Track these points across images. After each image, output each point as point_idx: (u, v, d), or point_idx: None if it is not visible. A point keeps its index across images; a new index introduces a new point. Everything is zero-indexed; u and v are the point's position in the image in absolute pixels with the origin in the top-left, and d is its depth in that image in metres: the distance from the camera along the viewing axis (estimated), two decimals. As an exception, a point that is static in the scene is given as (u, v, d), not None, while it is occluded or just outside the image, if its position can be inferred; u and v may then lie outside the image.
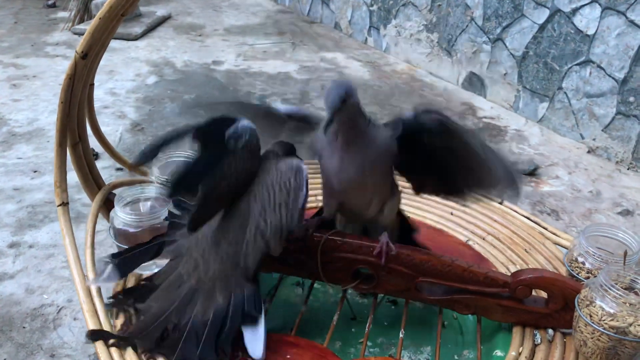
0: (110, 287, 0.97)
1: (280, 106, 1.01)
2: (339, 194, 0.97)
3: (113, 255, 0.95)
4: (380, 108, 2.76)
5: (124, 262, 0.94)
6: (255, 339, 0.86)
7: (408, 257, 1.01)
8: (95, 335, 0.86)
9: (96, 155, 2.07)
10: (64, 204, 1.03)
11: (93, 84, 1.11)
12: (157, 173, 1.14)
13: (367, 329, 1.00)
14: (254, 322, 0.87)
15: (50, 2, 4.18)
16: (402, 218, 1.10)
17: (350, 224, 1.08)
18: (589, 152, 2.41)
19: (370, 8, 3.59)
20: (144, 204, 1.10)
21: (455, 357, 1.08)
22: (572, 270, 1.04)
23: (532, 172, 2.20)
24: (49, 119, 2.42)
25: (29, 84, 2.82)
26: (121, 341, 0.85)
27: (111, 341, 0.85)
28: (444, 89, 3.01)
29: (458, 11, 3.00)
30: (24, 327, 1.34)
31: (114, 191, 1.16)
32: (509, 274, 1.14)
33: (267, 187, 0.93)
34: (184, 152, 1.20)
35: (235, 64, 3.20)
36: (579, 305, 0.92)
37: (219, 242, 0.92)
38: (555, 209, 1.97)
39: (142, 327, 0.86)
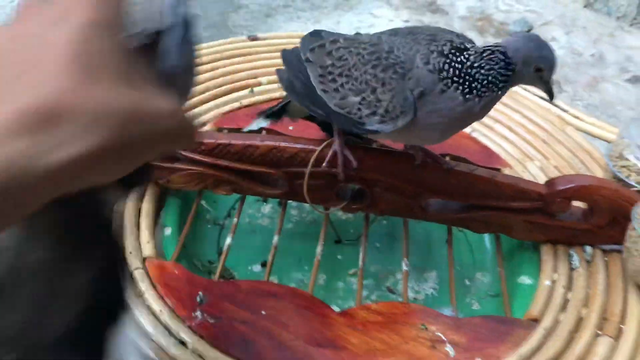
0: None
1: None
2: None
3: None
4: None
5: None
6: None
7: (409, 170, 0.76)
8: None
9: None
10: None
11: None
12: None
13: (360, 262, 0.78)
14: None
15: None
16: None
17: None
18: (585, 6, 2.11)
19: None
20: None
21: (467, 282, 0.88)
22: (619, 172, 0.81)
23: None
24: None
25: None
26: None
27: None
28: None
29: None
30: None
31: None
32: (530, 175, 0.92)
33: None
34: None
35: None
36: (637, 220, 0.71)
37: None
38: (556, 78, 1.71)
39: None
